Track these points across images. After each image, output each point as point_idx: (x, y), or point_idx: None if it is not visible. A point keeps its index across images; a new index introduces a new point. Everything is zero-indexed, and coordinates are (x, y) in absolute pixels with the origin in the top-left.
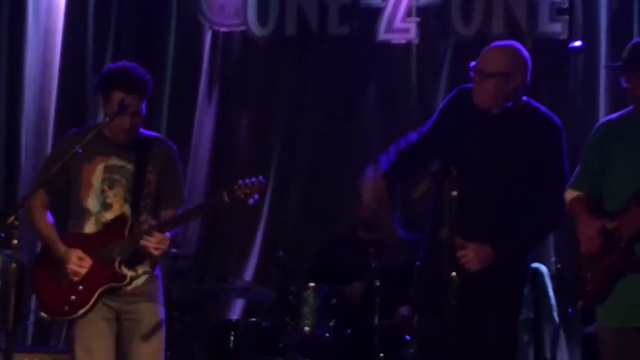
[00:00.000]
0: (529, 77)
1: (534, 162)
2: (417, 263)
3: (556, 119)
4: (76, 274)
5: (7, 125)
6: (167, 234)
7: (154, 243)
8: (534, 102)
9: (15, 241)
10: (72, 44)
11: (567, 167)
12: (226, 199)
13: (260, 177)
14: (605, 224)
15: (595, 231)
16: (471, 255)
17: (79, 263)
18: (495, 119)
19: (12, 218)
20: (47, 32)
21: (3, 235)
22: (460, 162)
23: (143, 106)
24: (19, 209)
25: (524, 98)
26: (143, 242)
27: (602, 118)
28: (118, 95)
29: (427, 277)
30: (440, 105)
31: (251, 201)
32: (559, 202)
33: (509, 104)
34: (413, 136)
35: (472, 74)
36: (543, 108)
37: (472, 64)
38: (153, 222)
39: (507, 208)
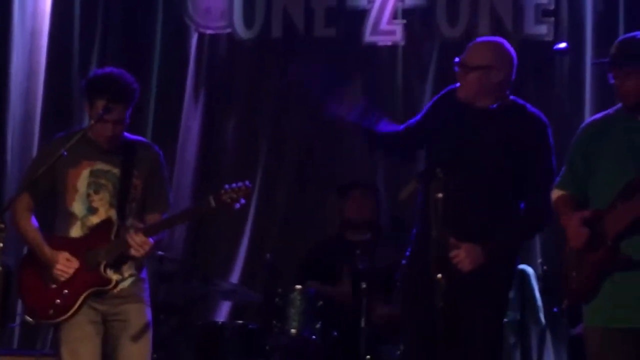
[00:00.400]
0: (514, 75)
1: (521, 159)
2: (403, 262)
3: (543, 116)
4: (63, 274)
5: None
6: (150, 239)
7: (136, 244)
8: (520, 101)
9: (1, 244)
10: (58, 46)
11: (556, 164)
12: (213, 203)
13: (247, 182)
14: (585, 214)
15: (576, 225)
16: (463, 255)
17: (66, 264)
18: (482, 118)
19: None
20: (33, 34)
21: None
22: (446, 161)
23: (127, 114)
24: (5, 212)
25: (511, 97)
26: (127, 239)
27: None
28: (101, 103)
29: (413, 276)
30: (432, 99)
31: (238, 206)
32: (547, 199)
33: (495, 105)
34: (404, 124)
35: (456, 68)
36: (529, 106)
37: (457, 59)
38: (140, 225)
39: (495, 206)
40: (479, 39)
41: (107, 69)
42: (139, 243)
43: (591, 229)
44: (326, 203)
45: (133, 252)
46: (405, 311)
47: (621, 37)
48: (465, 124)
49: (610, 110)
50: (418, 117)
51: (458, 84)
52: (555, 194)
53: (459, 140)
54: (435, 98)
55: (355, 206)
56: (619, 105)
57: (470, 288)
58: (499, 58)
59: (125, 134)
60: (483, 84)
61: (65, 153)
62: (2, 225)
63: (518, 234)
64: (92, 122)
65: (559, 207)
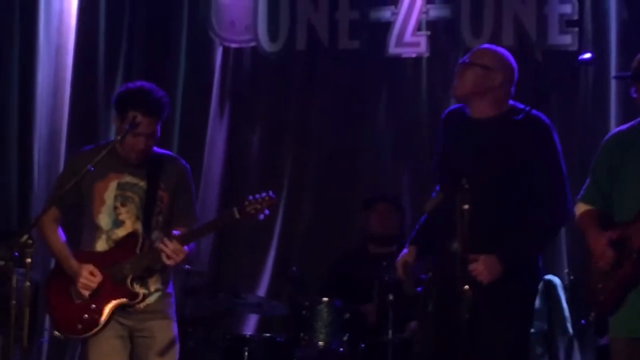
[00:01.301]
0: (513, 86)
1: (529, 165)
2: (424, 277)
3: (544, 117)
4: (87, 287)
5: (20, 145)
6: (185, 248)
7: (170, 250)
8: (520, 105)
9: (29, 260)
10: (84, 62)
11: (564, 164)
12: (237, 215)
13: (271, 193)
14: (612, 236)
15: (603, 246)
16: (481, 268)
17: (89, 278)
18: (483, 128)
19: (25, 237)
20: (59, 51)
21: (17, 254)
22: (455, 176)
23: (158, 128)
24: (32, 228)
25: (510, 102)
26: (159, 246)
27: (613, 129)
28: (134, 116)
29: (437, 288)
30: (439, 134)
31: (262, 217)
32: (559, 199)
33: (494, 114)
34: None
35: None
36: (531, 110)
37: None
38: (176, 232)
39: (508, 215)
40: (484, 45)
41: (138, 83)
42: (173, 250)
43: (617, 244)
44: (351, 216)
45: (166, 259)
46: (427, 323)
47: None
48: (469, 137)
49: (635, 122)
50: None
51: (454, 106)
52: (580, 208)
53: (464, 153)
54: (439, 132)
55: (379, 220)
56: None
57: (487, 297)
58: (497, 62)
59: (153, 147)
60: (479, 83)
61: (92, 168)
62: (30, 241)
63: (534, 240)
64: (121, 135)
65: (584, 222)
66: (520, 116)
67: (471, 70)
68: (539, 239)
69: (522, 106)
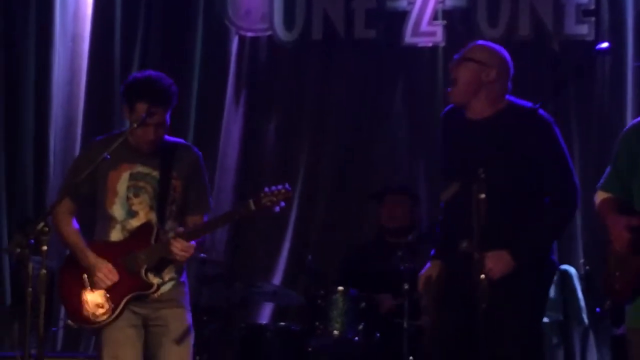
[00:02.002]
0: (509, 81)
1: (531, 160)
2: (429, 264)
3: (542, 111)
4: (102, 284)
5: (36, 133)
6: (193, 242)
7: (179, 250)
8: (517, 100)
9: (45, 247)
10: (100, 50)
11: (568, 154)
12: (252, 207)
13: (287, 185)
14: (631, 221)
15: (621, 228)
16: (490, 265)
17: (108, 276)
18: (482, 126)
19: (41, 225)
20: (75, 39)
21: (32, 241)
22: (459, 175)
23: (167, 117)
24: (48, 216)
25: (507, 97)
26: (170, 247)
27: (630, 119)
28: (142, 107)
29: (451, 277)
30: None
31: (277, 209)
32: (568, 190)
33: (492, 112)
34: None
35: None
36: (527, 103)
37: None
38: (180, 229)
39: (516, 211)
40: (478, 41)
41: (146, 72)
42: (181, 249)
43: (636, 232)
44: (366, 206)
45: (176, 258)
46: (440, 314)
47: None
48: (468, 136)
49: None
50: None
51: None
52: (600, 196)
53: (466, 152)
54: (441, 129)
55: (388, 212)
56: None
57: (507, 292)
58: (491, 58)
59: (165, 136)
60: (474, 78)
61: (109, 157)
62: (46, 229)
63: (545, 231)
64: (133, 125)
65: (604, 209)
66: (518, 113)
67: (465, 66)
68: (550, 232)
69: (519, 101)
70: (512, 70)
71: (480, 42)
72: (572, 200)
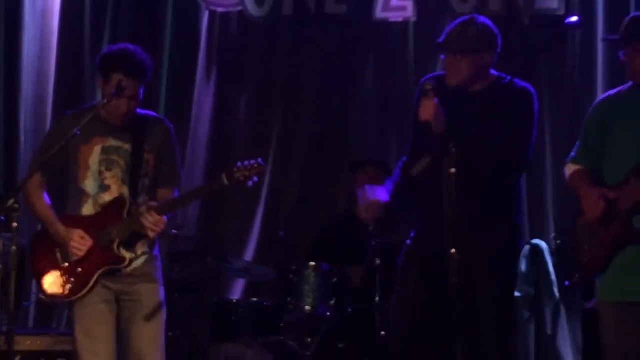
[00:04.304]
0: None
1: (502, 119)
2: (408, 242)
3: (530, 87)
4: (78, 251)
5: (6, 109)
6: (164, 217)
7: (151, 224)
8: (506, 76)
9: (16, 224)
10: (69, 26)
11: (536, 131)
12: (225, 181)
13: (259, 160)
14: (606, 193)
15: (596, 197)
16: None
17: (81, 242)
18: (470, 101)
19: (11, 201)
20: (44, 15)
21: (3, 218)
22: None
23: (141, 91)
24: (19, 192)
25: (494, 73)
26: (142, 221)
27: (600, 93)
28: (118, 78)
29: (423, 253)
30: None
31: (250, 183)
32: (523, 148)
33: (482, 86)
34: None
35: (442, 56)
36: (517, 80)
37: (440, 40)
38: (153, 203)
39: (490, 183)
40: (463, 23)
41: (122, 45)
42: (154, 222)
43: (609, 205)
44: (339, 180)
45: (148, 232)
46: (410, 289)
47: (631, 14)
48: (455, 110)
49: (624, 87)
50: (410, 140)
51: (433, 74)
52: (571, 168)
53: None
54: (415, 100)
55: (366, 183)
56: (630, 82)
57: (476, 265)
58: (486, 41)
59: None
60: (475, 68)
61: (79, 132)
62: (17, 205)
63: (486, 146)
64: (104, 100)
65: (576, 180)
66: (507, 88)
67: (464, 62)
68: (488, 148)
69: (507, 77)
70: (500, 39)
71: (467, 25)
72: (519, 159)
